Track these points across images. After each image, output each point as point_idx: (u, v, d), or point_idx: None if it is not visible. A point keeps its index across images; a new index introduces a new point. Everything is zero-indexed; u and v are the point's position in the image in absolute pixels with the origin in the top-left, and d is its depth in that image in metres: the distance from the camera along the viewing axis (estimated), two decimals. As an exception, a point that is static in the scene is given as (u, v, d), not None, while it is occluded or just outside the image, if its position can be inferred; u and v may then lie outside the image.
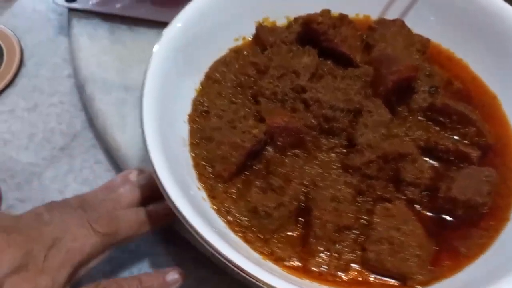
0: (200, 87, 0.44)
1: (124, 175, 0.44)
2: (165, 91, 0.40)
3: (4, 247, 0.34)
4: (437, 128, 0.43)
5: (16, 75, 0.56)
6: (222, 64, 0.46)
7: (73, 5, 0.59)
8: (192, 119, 0.42)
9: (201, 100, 0.43)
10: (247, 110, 0.42)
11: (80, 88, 0.55)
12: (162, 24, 0.57)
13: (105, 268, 0.44)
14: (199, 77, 0.45)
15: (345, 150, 0.41)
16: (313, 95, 0.41)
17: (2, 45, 0.59)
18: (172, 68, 0.42)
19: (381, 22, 0.48)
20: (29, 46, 0.59)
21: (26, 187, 0.48)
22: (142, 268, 0.45)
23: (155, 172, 0.35)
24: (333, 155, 0.41)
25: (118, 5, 0.59)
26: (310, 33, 0.45)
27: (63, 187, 0.49)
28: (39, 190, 0.48)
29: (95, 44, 0.57)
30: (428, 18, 0.49)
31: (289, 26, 0.47)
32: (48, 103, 0.54)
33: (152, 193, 0.42)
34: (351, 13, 0.50)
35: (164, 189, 0.35)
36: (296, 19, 0.47)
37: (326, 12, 0.44)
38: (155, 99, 0.39)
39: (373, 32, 0.47)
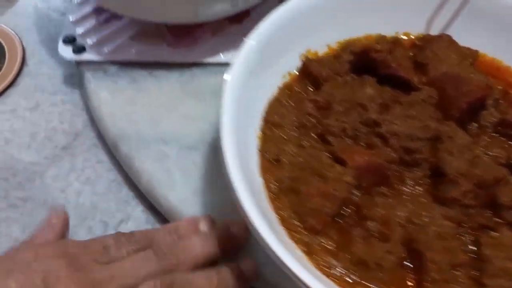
0: (262, 134, 0.42)
1: (192, 222, 0.42)
2: (238, 142, 0.38)
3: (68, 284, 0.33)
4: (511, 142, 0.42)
5: (18, 74, 0.57)
6: (278, 105, 0.43)
7: (84, 57, 0.55)
8: (264, 171, 0.40)
9: (267, 149, 0.41)
10: (323, 153, 0.39)
11: (112, 147, 0.51)
12: (181, 66, 0.55)
13: None
14: (258, 122, 0.42)
15: (429, 181, 0.39)
16: (389, 128, 0.39)
17: (4, 45, 0.59)
18: (238, 118, 0.39)
19: (427, 38, 0.47)
20: (30, 45, 0.60)
21: (28, 186, 0.49)
22: None
23: (256, 229, 0.32)
24: (419, 188, 0.39)
25: (133, 51, 0.55)
26: (367, 62, 0.43)
27: (65, 186, 0.49)
28: (41, 189, 0.48)
29: (118, 97, 0.53)
30: (471, 29, 0.48)
31: (337, 56, 0.45)
32: (49, 102, 0.55)
33: (223, 248, 0.40)
34: (391, 32, 0.49)
35: (270, 249, 0.32)
36: (344, 48, 0.45)
37: (382, 39, 0.42)
38: (234, 150, 0.36)
39: (422, 50, 0.46)
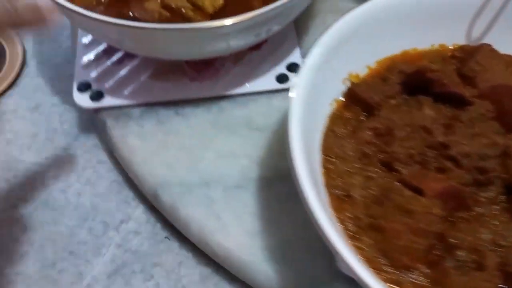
0: (324, 170, 0.40)
1: None
2: (311, 180, 0.36)
3: None
4: None
5: (18, 75, 0.57)
6: (333, 136, 0.41)
7: (104, 103, 0.51)
8: (336, 209, 0.38)
9: (334, 184, 0.39)
10: (396, 183, 0.38)
11: (151, 197, 0.48)
12: (207, 100, 0.52)
13: (108, 269, 0.45)
14: (318, 157, 0.41)
15: (504, 198, 0.38)
16: (459, 149, 0.38)
17: (5, 45, 0.59)
18: (306, 155, 0.37)
19: (466, 49, 0.46)
20: (31, 46, 0.60)
21: (29, 186, 0.49)
22: (145, 267, 0.45)
23: (360, 278, 0.31)
24: (495, 206, 0.38)
25: (154, 90, 0.53)
26: (421, 81, 0.42)
27: (65, 186, 0.50)
28: (42, 190, 0.49)
29: (147, 143, 0.50)
30: (508, 37, 0.47)
31: (383, 77, 0.44)
32: (50, 103, 0.55)
33: None
34: (426, 45, 0.48)
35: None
36: (390, 69, 0.44)
37: (434, 57, 0.41)
38: (314, 191, 0.34)
39: (465, 62, 0.45)
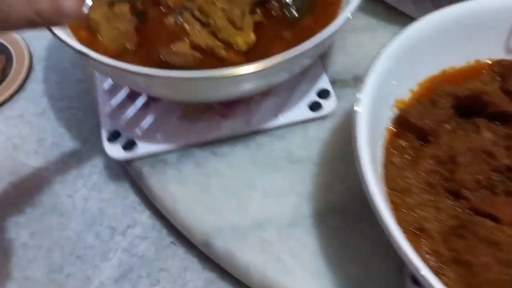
0: (392, 205, 0.39)
1: None
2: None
3: None
4: None
5: (25, 79, 0.57)
6: (393, 168, 0.41)
7: (139, 151, 0.49)
8: (412, 245, 0.37)
9: (404, 218, 0.38)
10: (471, 213, 0.37)
11: (203, 246, 0.46)
12: (243, 137, 0.51)
13: (115, 274, 0.46)
14: (383, 190, 0.40)
15: None
16: (526, 171, 0.38)
17: (11, 50, 0.60)
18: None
19: (504, 64, 0.46)
20: (38, 51, 0.61)
21: (36, 191, 0.49)
22: (152, 272, 0.46)
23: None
24: None
25: (187, 132, 0.51)
26: (475, 104, 0.41)
27: (72, 192, 0.50)
28: (49, 195, 0.49)
29: (189, 188, 0.48)
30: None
31: (432, 101, 0.43)
32: (57, 108, 0.55)
33: None
34: (462, 62, 0.48)
35: None
36: (439, 94, 0.43)
37: (487, 80, 0.41)
38: (396, 227, 0.34)
39: (506, 77, 0.45)
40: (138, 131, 0.50)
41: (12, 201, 0.49)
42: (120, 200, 0.50)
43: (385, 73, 0.41)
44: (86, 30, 0.47)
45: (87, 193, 0.50)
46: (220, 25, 0.47)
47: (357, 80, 0.56)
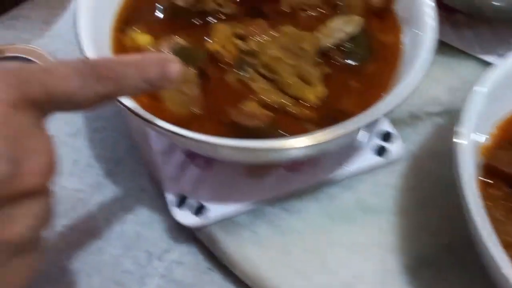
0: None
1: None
2: None
3: None
4: None
5: None
6: (496, 223, 0.39)
7: (212, 216, 0.47)
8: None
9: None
10: None
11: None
12: (309, 189, 0.49)
13: None
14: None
15: None
16: None
17: None
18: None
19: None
20: None
21: (73, 214, 0.49)
22: None
23: None
24: None
25: (254, 190, 0.49)
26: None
27: (108, 214, 0.49)
28: (85, 217, 0.49)
29: (267, 250, 0.47)
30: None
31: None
32: (91, 128, 0.55)
33: None
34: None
35: None
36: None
37: None
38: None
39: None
40: (205, 194, 0.48)
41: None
42: (157, 224, 0.49)
43: (481, 106, 0.40)
44: (147, 95, 0.45)
45: (124, 216, 0.49)
46: (289, 81, 0.45)
47: (414, 118, 0.55)
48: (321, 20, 0.49)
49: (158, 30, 0.49)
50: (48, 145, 0.33)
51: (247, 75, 0.46)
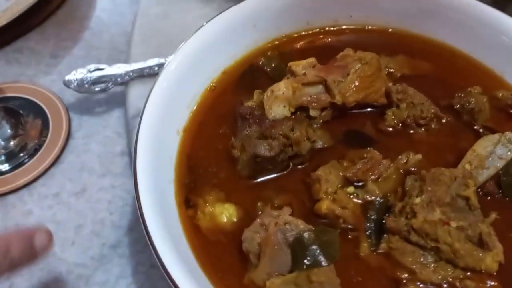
0: None
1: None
2: None
3: None
4: None
5: (62, 150, 0.49)
6: None
7: None
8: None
9: None
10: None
11: None
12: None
13: None
14: None
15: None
16: None
17: (48, 114, 0.51)
18: None
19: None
20: (77, 115, 0.52)
21: None
22: None
23: None
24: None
25: None
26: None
27: None
28: None
29: None
30: None
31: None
32: (98, 187, 0.48)
33: None
34: None
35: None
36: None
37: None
38: None
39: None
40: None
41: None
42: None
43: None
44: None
45: None
46: (459, 249, 0.34)
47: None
48: (440, 137, 0.41)
49: (234, 194, 0.39)
50: None
51: (391, 245, 0.35)
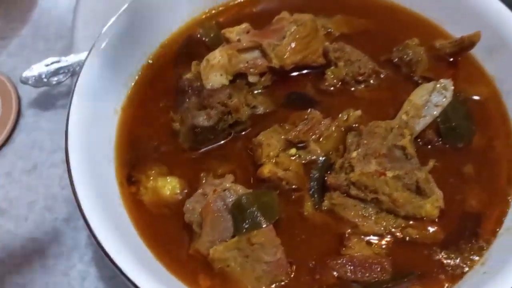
0: None
1: None
2: None
3: None
4: None
5: (13, 129, 0.49)
6: None
7: None
8: None
9: None
10: None
11: None
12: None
13: None
14: None
15: None
16: None
17: None
18: None
19: None
20: (27, 93, 0.51)
21: (27, 268, 0.43)
22: None
23: None
24: None
25: None
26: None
27: (68, 268, 0.43)
28: (41, 273, 0.42)
29: None
30: None
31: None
32: (49, 163, 0.47)
33: None
34: None
35: None
36: None
37: None
38: None
39: None
40: None
41: (-1, 282, 0.41)
42: (121, 278, 0.40)
43: None
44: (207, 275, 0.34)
45: (84, 269, 0.42)
46: (398, 198, 0.34)
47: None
48: (380, 91, 0.41)
49: (177, 166, 0.38)
50: None
51: (333, 202, 0.35)
